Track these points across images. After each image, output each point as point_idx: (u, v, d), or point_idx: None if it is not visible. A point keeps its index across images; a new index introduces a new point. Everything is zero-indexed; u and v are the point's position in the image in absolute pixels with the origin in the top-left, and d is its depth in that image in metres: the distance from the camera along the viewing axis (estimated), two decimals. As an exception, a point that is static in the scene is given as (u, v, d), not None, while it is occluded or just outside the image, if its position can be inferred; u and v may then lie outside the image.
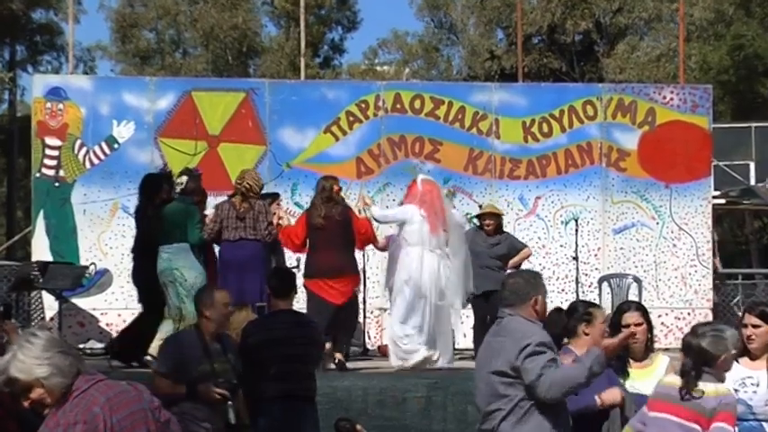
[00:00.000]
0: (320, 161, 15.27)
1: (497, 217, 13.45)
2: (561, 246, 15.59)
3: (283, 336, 7.95)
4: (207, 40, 36.76)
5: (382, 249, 12.97)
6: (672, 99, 16.04)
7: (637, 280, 15.22)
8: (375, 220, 12.19)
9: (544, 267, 15.14)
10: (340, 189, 11.97)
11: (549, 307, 6.38)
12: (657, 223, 15.84)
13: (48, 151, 15.01)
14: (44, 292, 14.42)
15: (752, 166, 23.51)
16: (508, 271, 12.88)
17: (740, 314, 6.94)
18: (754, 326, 6.67)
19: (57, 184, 15.02)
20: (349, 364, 11.58)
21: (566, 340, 6.87)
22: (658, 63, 32.90)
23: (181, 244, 11.45)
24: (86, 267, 14.36)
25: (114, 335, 13.69)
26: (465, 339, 13.68)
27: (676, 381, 5.96)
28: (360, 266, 12.78)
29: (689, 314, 15.63)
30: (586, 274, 15.40)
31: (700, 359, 5.94)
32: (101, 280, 14.74)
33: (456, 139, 15.65)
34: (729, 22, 32.93)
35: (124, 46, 38.14)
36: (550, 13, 34.29)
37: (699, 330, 6.10)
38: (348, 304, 11.66)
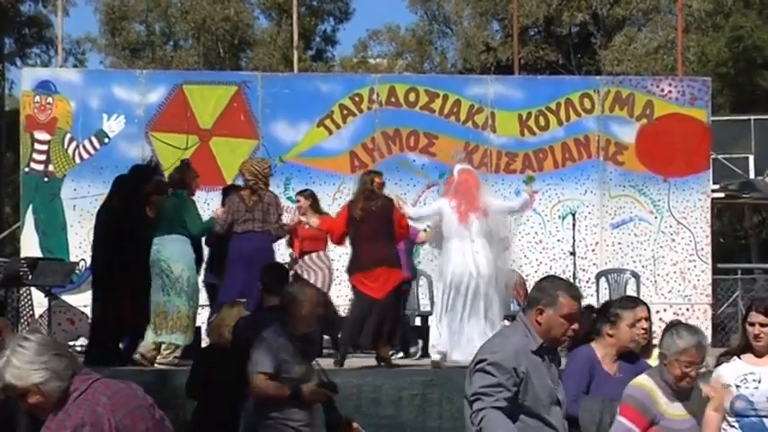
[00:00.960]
0: (313, 155, 15.20)
1: None
2: (558, 240, 15.53)
3: None
4: (198, 32, 36.64)
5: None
6: (670, 92, 15.96)
7: (635, 275, 15.13)
8: (410, 218, 12.09)
9: (541, 263, 15.06)
10: (382, 183, 11.82)
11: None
12: (656, 218, 15.78)
13: (37, 146, 14.96)
14: (33, 289, 14.34)
15: (751, 159, 23.45)
16: None
17: (744, 310, 6.77)
18: (762, 324, 6.50)
19: (46, 179, 14.95)
20: (346, 363, 11.40)
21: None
22: (656, 55, 32.79)
23: (173, 235, 11.21)
24: (76, 264, 14.30)
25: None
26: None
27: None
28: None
29: (688, 309, 15.57)
30: (584, 270, 15.34)
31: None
32: (90, 276, 14.60)
33: (451, 133, 15.57)
34: (728, 14, 32.82)
35: (114, 38, 38.01)
36: (546, 5, 34.15)
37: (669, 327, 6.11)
38: (388, 298, 11.46)
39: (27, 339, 4.20)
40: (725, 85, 32.15)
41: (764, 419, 6.44)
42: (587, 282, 15.15)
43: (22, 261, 14.06)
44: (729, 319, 17.36)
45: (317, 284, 11.75)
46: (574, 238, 15.09)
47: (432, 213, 11.86)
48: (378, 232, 11.38)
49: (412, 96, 15.62)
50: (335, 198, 14.89)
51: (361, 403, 10.13)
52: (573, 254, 15.00)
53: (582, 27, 35.79)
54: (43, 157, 14.93)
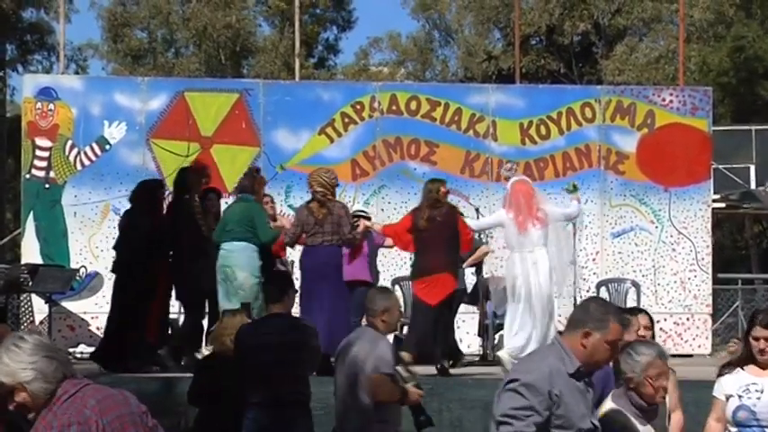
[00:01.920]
0: (314, 163, 15.12)
1: None
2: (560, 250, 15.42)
3: (275, 340, 7.82)
4: (200, 39, 36.62)
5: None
6: (671, 101, 15.95)
7: (635, 284, 15.10)
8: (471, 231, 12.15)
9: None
10: (447, 192, 11.85)
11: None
12: (656, 227, 15.75)
13: (38, 152, 14.95)
14: (34, 296, 14.31)
15: (752, 169, 23.45)
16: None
17: (744, 320, 6.75)
18: (767, 339, 6.47)
19: (47, 186, 14.94)
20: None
21: None
22: (657, 65, 32.77)
23: (241, 243, 11.23)
24: (77, 270, 14.29)
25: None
26: (461, 344, 13.52)
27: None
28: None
29: (688, 319, 15.54)
30: (584, 279, 15.32)
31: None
32: (91, 283, 14.69)
33: (452, 142, 15.56)
34: (729, 24, 32.82)
35: (116, 45, 37.99)
36: (548, 14, 34.14)
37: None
38: (442, 305, 11.49)
39: (23, 339, 4.27)
40: (726, 95, 32.16)
41: (767, 429, 6.41)
42: (587, 291, 15.09)
43: (23, 267, 14.04)
44: (729, 329, 17.35)
45: None
46: (574, 247, 15.05)
47: (492, 224, 12.15)
48: (441, 241, 11.43)
49: (413, 105, 15.61)
50: (336, 206, 14.88)
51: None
52: (573, 263, 14.97)
53: (583, 36, 35.77)
54: (44, 164, 14.92)
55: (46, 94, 15.07)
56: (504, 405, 4.90)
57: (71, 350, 13.78)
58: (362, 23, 42.83)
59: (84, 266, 14.50)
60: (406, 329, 12.31)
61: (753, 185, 23.26)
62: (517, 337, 11.16)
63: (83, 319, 14.65)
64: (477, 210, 14.23)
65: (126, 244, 11.75)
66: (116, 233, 14.38)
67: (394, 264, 14.65)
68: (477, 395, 10.10)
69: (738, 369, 6.53)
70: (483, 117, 15.66)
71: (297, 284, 11.05)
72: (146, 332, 11.59)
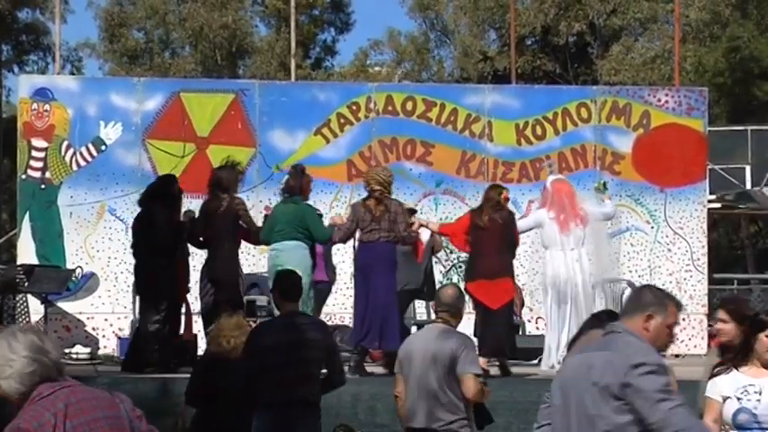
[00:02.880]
0: (310, 163, 15.03)
1: None
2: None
3: (286, 339, 7.79)
4: (196, 39, 36.64)
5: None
6: (667, 102, 15.96)
7: (631, 285, 15.05)
8: None
9: (537, 272, 14.98)
10: (508, 198, 12.04)
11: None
12: (652, 227, 15.77)
13: (34, 153, 14.91)
14: (29, 296, 14.27)
15: (748, 169, 23.47)
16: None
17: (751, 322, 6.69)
18: None
19: (43, 186, 14.92)
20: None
21: None
22: (653, 65, 32.80)
23: (292, 242, 11.27)
24: (72, 271, 14.25)
25: (100, 339, 13.61)
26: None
27: None
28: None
29: (683, 320, 15.50)
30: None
31: None
32: (87, 284, 14.68)
33: (448, 142, 15.56)
34: (725, 24, 32.85)
35: (112, 45, 37.99)
36: (544, 14, 34.15)
37: None
38: (501, 309, 11.63)
39: (14, 336, 4.22)
40: (722, 96, 32.18)
41: (767, 432, 6.40)
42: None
43: (19, 268, 14.02)
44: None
45: None
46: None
47: (532, 225, 12.31)
48: (500, 243, 11.59)
49: (409, 105, 15.61)
50: (332, 207, 14.90)
51: (358, 411, 10.12)
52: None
53: (579, 37, 35.80)
54: (40, 165, 14.89)
55: (42, 94, 15.05)
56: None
57: (67, 351, 13.75)
58: (359, 22, 42.71)
59: (80, 267, 14.46)
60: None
61: (748, 186, 23.27)
62: (564, 335, 11.37)
63: (78, 319, 14.63)
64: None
65: (151, 242, 11.43)
66: (112, 234, 14.52)
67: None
68: (501, 395, 10.09)
69: (732, 369, 6.43)
70: (479, 117, 15.66)
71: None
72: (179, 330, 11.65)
